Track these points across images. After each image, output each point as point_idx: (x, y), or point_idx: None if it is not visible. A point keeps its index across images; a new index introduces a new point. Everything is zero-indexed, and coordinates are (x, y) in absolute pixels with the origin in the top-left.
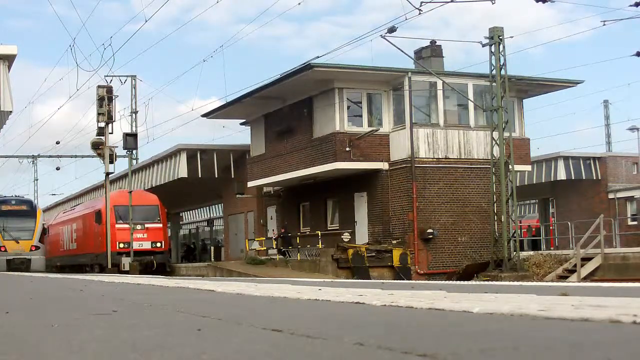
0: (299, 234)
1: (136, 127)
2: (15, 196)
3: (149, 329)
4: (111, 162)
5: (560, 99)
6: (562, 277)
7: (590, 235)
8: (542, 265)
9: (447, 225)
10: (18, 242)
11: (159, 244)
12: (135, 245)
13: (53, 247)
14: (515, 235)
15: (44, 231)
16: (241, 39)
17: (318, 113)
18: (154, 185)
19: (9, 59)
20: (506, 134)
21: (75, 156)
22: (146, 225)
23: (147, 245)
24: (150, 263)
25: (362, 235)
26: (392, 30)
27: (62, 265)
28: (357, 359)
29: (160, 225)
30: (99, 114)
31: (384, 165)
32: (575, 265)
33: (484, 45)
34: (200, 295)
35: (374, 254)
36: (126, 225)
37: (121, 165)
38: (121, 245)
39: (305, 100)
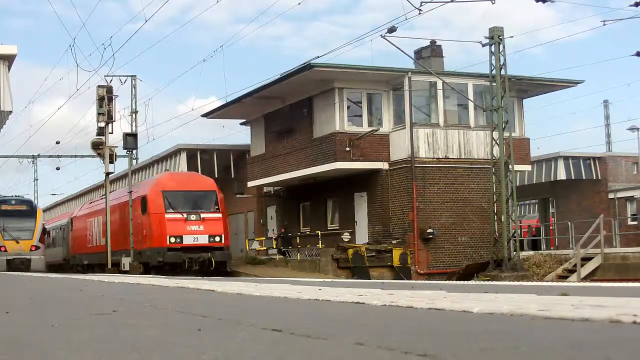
0: (299, 233)
1: (136, 127)
2: (15, 196)
3: (149, 329)
4: (111, 162)
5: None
6: (562, 277)
7: (590, 235)
8: (542, 265)
9: (447, 225)
10: (18, 242)
11: (217, 238)
12: (189, 240)
13: (77, 243)
14: (515, 235)
15: (44, 231)
16: (241, 39)
17: (318, 113)
18: None
19: (9, 59)
20: (506, 134)
21: (75, 156)
22: (202, 215)
23: (203, 240)
24: (207, 262)
25: (362, 235)
26: (392, 30)
27: (91, 264)
28: (357, 359)
29: (219, 215)
30: (99, 114)
31: (384, 165)
32: (575, 265)
33: (484, 45)
34: (200, 295)
35: (374, 254)
36: (178, 215)
37: (121, 165)
38: (172, 240)
39: (305, 100)
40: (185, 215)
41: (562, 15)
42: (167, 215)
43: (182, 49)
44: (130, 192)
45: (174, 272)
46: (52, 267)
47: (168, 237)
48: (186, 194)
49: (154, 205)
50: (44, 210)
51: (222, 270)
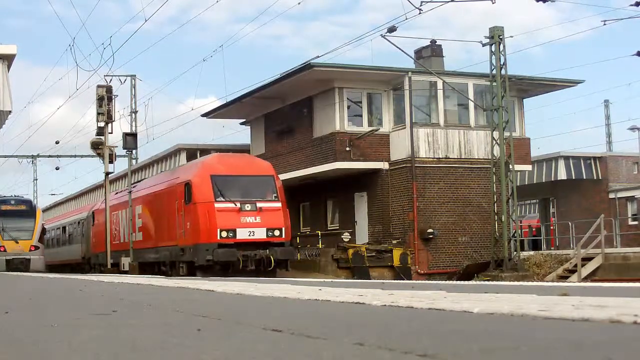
0: (299, 233)
1: (136, 127)
2: (15, 196)
3: (149, 329)
4: (111, 162)
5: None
6: (562, 277)
7: (590, 235)
8: (543, 265)
9: (447, 225)
10: (17, 242)
11: (277, 232)
12: (244, 234)
13: (101, 239)
14: (515, 235)
15: (44, 231)
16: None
17: (318, 113)
18: None
19: (8, 59)
20: (506, 134)
21: (75, 156)
22: (259, 205)
23: (260, 234)
24: (266, 260)
25: (362, 235)
26: (392, 29)
27: (116, 263)
28: (357, 359)
29: (279, 204)
30: (98, 113)
31: (384, 165)
32: (575, 265)
33: (484, 45)
34: (200, 295)
35: (374, 254)
36: (231, 205)
37: (121, 165)
38: (224, 235)
39: (305, 100)
40: (239, 205)
41: (562, 15)
42: (217, 205)
43: (182, 48)
44: (130, 191)
45: (224, 273)
46: (66, 268)
47: (219, 231)
48: (239, 179)
49: (200, 193)
50: (44, 210)
51: (283, 269)
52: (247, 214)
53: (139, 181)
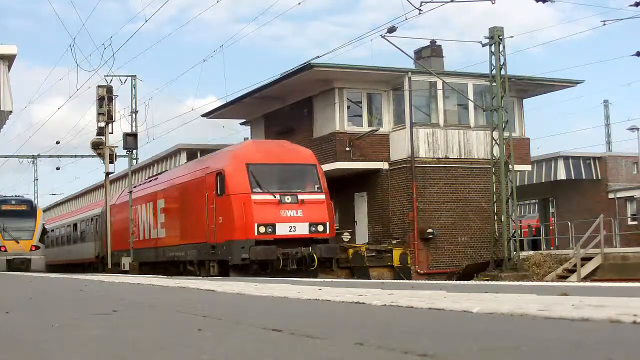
0: None
1: (136, 127)
2: (16, 196)
3: (149, 329)
4: (111, 162)
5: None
6: (562, 277)
7: (590, 235)
8: (542, 265)
9: (447, 225)
10: (18, 242)
11: (321, 227)
12: (284, 230)
13: (118, 236)
14: (515, 235)
15: (44, 231)
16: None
17: (318, 113)
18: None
19: (9, 59)
20: (506, 134)
21: (75, 156)
22: (300, 197)
23: (302, 230)
24: (308, 258)
25: (362, 235)
26: (392, 30)
27: (135, 261)
28: (357, 359)
29: (323, 196)
30: (99, 113)
31: (384, 165)
32: (575, 265)
33: (484, 45)
34: (200, 295)
35: (374, 254)
36: (269, 197)
37: (121, 165)
38: (261, 230)
39: (305, 100)
40: (278, 197)
41: (562, 15)
42: (254, 197)
43: (182, 48)
44: (131, 191)
45: (261, 273)
46: (77, 268)
47: (256, 225)
48: (278, 168)
49: (235, 183)
50: (44, 210)
51: (326, 269)
52: (288, 206)
53: (159, 173)
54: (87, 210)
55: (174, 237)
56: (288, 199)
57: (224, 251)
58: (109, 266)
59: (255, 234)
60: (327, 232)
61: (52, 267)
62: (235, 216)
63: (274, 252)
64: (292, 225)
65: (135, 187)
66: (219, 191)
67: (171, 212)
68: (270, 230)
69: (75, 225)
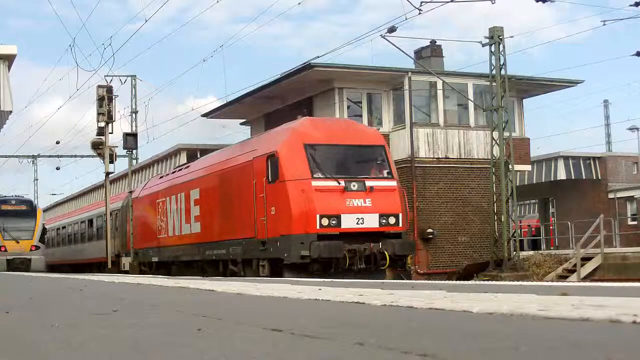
0: None
1: (136, 127)
2: (15, 196)
3: (149, 329)
4: (111, 162)
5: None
6: (562, 277)
7: (590, 235)
8: (542, 265)
9: (447, 225)
10: (18, 242)
11: (393, 220)
12: (350, 222)
13: (143, 232)
14: (515, 235)
15: (44, 231)
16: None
17: (318, 113)
18: None
19: (9, 59)
20: (506, 134)
21: (75, 156)
22: (369, 184)
23: (372, 222)
24: (379, 256)
25: None
26: (392, 30)
27: (164, 261)
28: (357, 359)
29: (394, 183)
30: (99, 113)
31: None
32: (575, 265)
33: (483, 45)
34: (200, 295)
35: None
36: (333, 183)
37: (121, 165)
38: (324, 223)
39: (305, 100)
40: (343, 184)
41: (562, 15)
42: (315, 183)
43: (182, 48)
44: (131, 191)
45: (323, 274)
46: (92, 268)
47: (318, 217)
48: (342, 149)
49: (292, 167)
50: (44, 210)
51: (398, 268)
52: (354, 195)
53: (192, 161)
54: (104, 204)
55: (212, 233)
56: (354, 185)
57: (278, 248)
58: (109, 265)
59: (317, 227)
60: (400, 225)
61: (61, 268)
62: (293, 206)
63: (340, 249)
64: (360, 216)
65: (161, 177)
66: (270, 177)
67: (208, 203)
68: (334, 222)
69: (90, 221)
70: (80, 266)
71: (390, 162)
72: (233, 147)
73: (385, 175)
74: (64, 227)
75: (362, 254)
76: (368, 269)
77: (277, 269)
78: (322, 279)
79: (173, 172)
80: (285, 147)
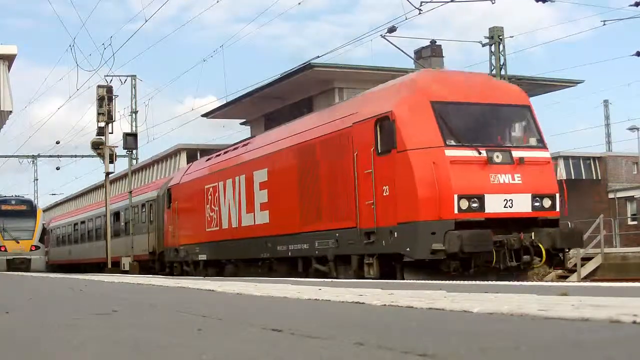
0: None
1: (136, 127)
2: (15, 196)
3: (149, 329)
4: (111, 162)
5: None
6: (562, 277)
7: (590, 235)
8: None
9: None
10: (18, 242)
11: (548, 202)
12: (496, 205)
13: (186, 226)
14: None
15: (44, 231)
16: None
17: None
18: None
19: (9, 59)
20: None
21: (75, 156)
22: (516, 154)
23: (522, 205)
24: (532, 250)
25: None
26: (392, 30)
27: (215, 259)
28: (357, 359)
29: (547, 154)
30: (99, 113)
31: None
32: (575, 265)
33: (484, 45)
34: (200, 295)
35: None
36: (473, 153)
37: (121, 165)
38: (464, 206)
39: (305, 100)
40: (485, 154)
41: (562, 15)
42: (449, 153)
43: (182, 48)
44: (130, 191)
45: (456, 275)
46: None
47: (456, 198)
48: (480, 109)
49: (416, 132)
50: (44, 210)
51: (554, 266)
52: (500, 169)
53: (247, 139)
54: (135, 194)
55: (287, 223)
56: (498, 157)
57: (394, 240)
58: (109, 265)
59: (456, 211)
60: (557, 209)
61: (75, 267)
62: (419, 183)
63: (488, 240)
64: (508, 197)
65: (208, 159)
66: (381, 147)
67: (281, 187)
68: (475, 206)
69: (117, 214)
70: (101, 266)
71: (539, 127)
72: (313, 115)
73: (535, 143)
74: (82, 222)
75: (512, 248)
76: (517, 267)
77: (390, 269)
78: (323, 279)
79: (225, 152)
80: (404, 105)
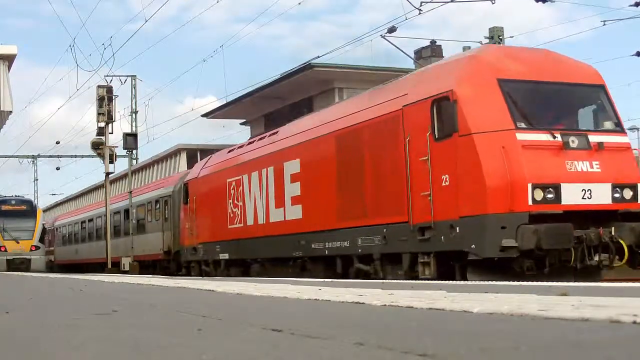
0: None
1: (136, 127)
2: (15, 196)
3: (149, 329)
4: (111, 162)
5: None
6: None
7: None
8: None
9: None
10: (18, 242)
11: (629, 194)
12: (573, 195)
13: (205, 223)
14: None
15: (44, 231)
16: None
17: None
18: None
19: (9, 59)
20: None
21: (75, 156)
22: (594, 140)
23: (602, 196)
24: (613, 246)
25: None
26: (392, 30)
27: (241, 259)
28: (357, 359)
29: (626, 139)
30: (99, 114)
31: None
32: None
33: None
34: (200, 295)
35: None
36: (547, 137)
37: (121, 165)
38: (538, 197)
39: (305, 100)
40: (560, 138)
41: (562, 15)
42: (521, 136)
43: (182, 48)
44: (130, 191)
45: (527, 276)
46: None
47: (530, 187)
48: (553, 89)
49: (481, 113)
50: (44, 211)
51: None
52: (576, 155)
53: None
54: (148, 190)
55: (323, 219)
56: (574, 142)
57: (456, 236)
58: (109, 265)
59: (530, 202)
60: (639, 200)
61: (79, 267)
62: (486, 171)
63: (569, 236)
64: (586, 187)
65: (230, 150)
66: (438, 132)
67: (316, 179)
68: (551, 197)
69: (126, 211)
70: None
71: (616, 109)
72: (352, 99)
73: (613, 127)
74: (89, 220)
75: (591, 244)
76: (596, 267)
77: (447, 268)
78: (323, 279)
79: (250, 143)
80: (467, 83)
